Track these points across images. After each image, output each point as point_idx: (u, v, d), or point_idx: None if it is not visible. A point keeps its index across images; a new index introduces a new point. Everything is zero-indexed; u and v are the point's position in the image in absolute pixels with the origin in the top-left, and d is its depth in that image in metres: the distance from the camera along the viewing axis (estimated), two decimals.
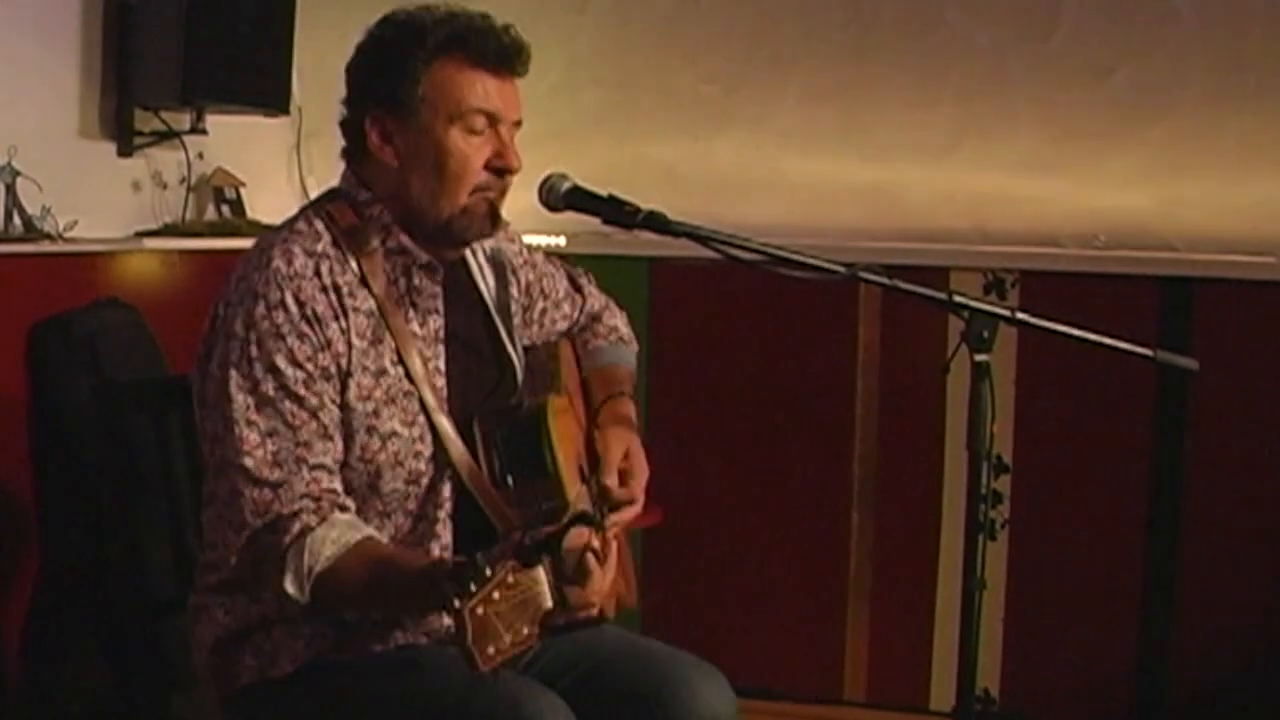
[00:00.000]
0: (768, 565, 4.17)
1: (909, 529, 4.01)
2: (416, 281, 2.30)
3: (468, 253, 2.43)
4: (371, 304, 2.24)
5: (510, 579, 1.79)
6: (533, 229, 4.02)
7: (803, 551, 4.13)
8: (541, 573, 1.84)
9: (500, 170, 2.26)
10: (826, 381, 4.08)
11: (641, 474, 2.49)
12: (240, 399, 2.14)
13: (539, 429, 2.31)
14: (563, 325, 2.68)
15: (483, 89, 2.24)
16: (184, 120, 3.87)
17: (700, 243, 2.20)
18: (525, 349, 2.54)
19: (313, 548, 2.09)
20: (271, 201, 4.15)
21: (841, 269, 2.18)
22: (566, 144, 3.89)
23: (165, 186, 3.90)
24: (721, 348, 4.20)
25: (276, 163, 4.41)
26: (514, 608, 1.79)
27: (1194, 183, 3.76)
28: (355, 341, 2.22)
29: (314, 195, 2.42)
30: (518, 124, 2.30)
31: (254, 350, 2.15)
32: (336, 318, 2.20)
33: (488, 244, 2.48)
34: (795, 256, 2.18)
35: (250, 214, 4.06)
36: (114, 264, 3.59)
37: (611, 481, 2.44)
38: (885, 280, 2.20)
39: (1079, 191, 3.88)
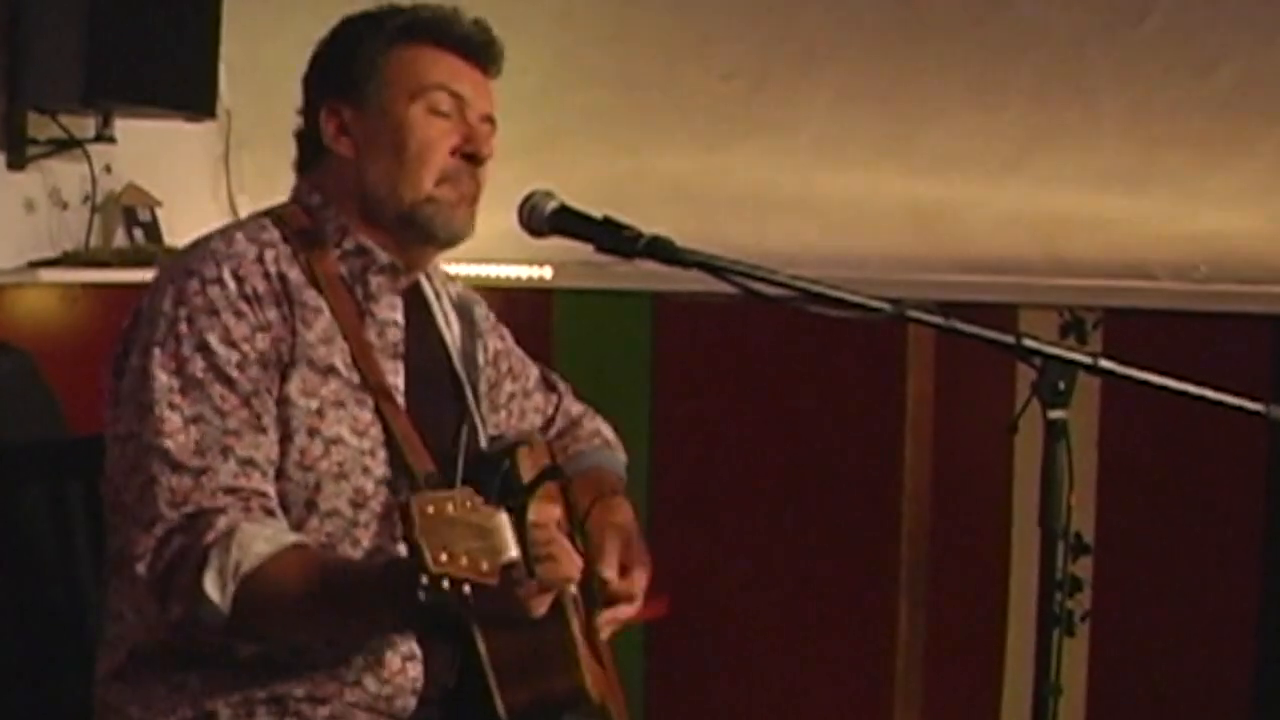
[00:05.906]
0: (796, 666, 4.17)
1: (969, 623, 4.01)
2: (374, 287, 2.37)
3: (429, 292, 2.52)
4: (322, 303, 2.31)
5: (469, 503, 1.83)
6: (512, 258, 4.04)
7: (839, 651, 4.13)
8: (505, 520, 1.87)
9: (469, 156, 2.35)
10: (868, 443, 4.08)
11: (643, 571, 2.55)
12: (163, 379, 2.20)
13: (507, 469, 2.36)
14: (534, 419, 2.77)
15: (447, 66, 2.37)
16: (88, 126, 3.89)
17: (714, 274, 2.21)
18: (491, 438, 2.60)
19: (242, 542, 2.11)
20: (194, 224, 4.11)
21: (886, 306, 2.19)
22: (553, 154, 3.91)
23: (65, 206, 3.92)
24: (739, 401, 4.21)
25: (200, 177, 4.43)
26: (471, 531, 1.82)
27: None
28: (300, 330, 2.28)
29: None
30: (490, 121, 2.40)
31: (183, 327, 2.22)
32: (279, 304, 2.28)
33: (453, 290, 2.60)
34: (830, 291, 2.19)
35: (168, 239, 4.08)
36: (2, 300, 3.60)
37: (611, 574, 2.49)
38: (939, 320, 2.20)
39: (1174, 213, 3.88)
